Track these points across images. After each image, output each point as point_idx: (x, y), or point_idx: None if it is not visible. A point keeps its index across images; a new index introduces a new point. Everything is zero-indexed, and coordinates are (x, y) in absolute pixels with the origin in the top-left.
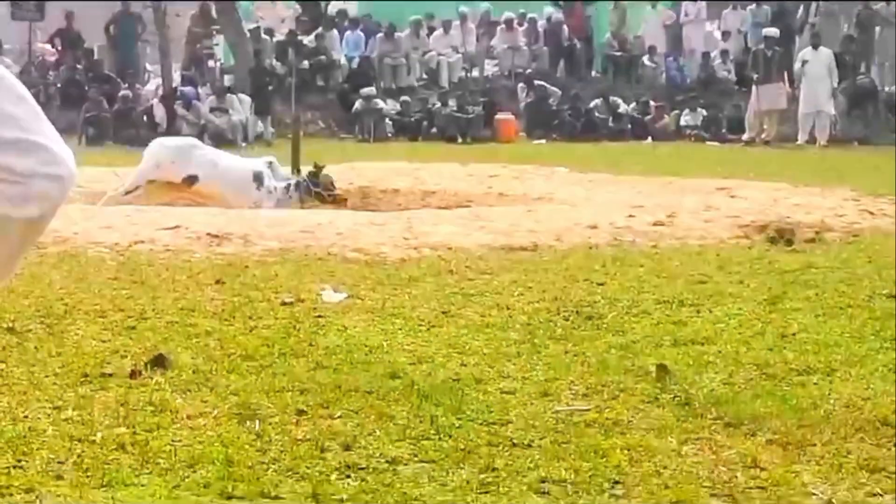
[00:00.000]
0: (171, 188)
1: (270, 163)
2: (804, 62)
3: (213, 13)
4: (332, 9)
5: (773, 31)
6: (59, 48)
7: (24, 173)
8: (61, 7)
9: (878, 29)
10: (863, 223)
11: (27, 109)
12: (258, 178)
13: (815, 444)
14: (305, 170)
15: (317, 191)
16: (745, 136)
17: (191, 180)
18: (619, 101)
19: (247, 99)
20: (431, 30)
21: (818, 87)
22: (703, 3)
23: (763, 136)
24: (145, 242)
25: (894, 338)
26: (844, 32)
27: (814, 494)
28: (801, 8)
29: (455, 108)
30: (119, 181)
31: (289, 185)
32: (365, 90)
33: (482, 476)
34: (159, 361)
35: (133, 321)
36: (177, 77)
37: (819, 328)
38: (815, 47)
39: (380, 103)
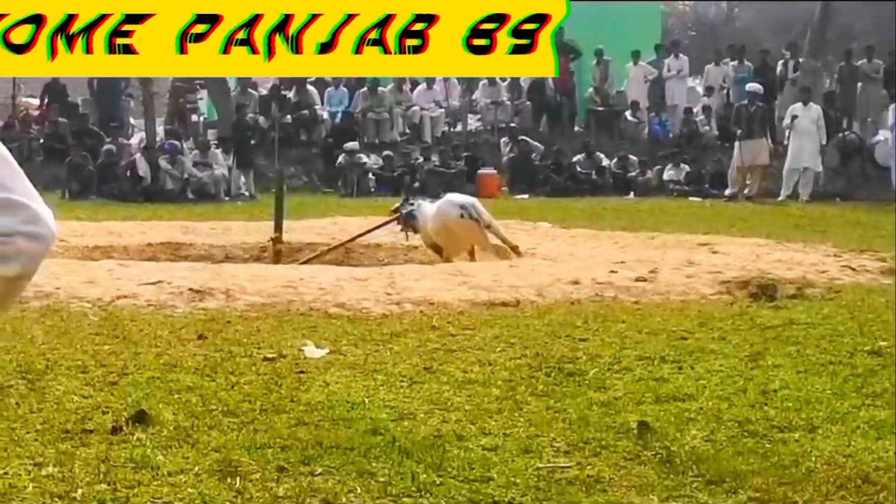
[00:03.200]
0: None
1: None
2: (794, 117)
3: None
4: None
5: (757, 87)
6: (44, 102)
7: (5, 232)
8: None
9: (860, 85)
10: (844, 279)
11: (6, 168)
12: None
13: (796, 502)
14: (294, 225)
15: None
16: (727, 192)
17: None
18: (602, 156)
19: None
20: (414, 84)
21: (807, 143)
22: (686, 59)
23: (746, 191)
24: (128, 297)
25: (876, 394)
26: (826, 88)
27: None
28: (781, 64)
29: (438, 163)
30: None
31: None
32: (348, 145)
33: None
34: (140, 417)
35: (115, 377)
36: (160, 131)
37: (801, 385)
38: (805, 103)
39: (363, 158)
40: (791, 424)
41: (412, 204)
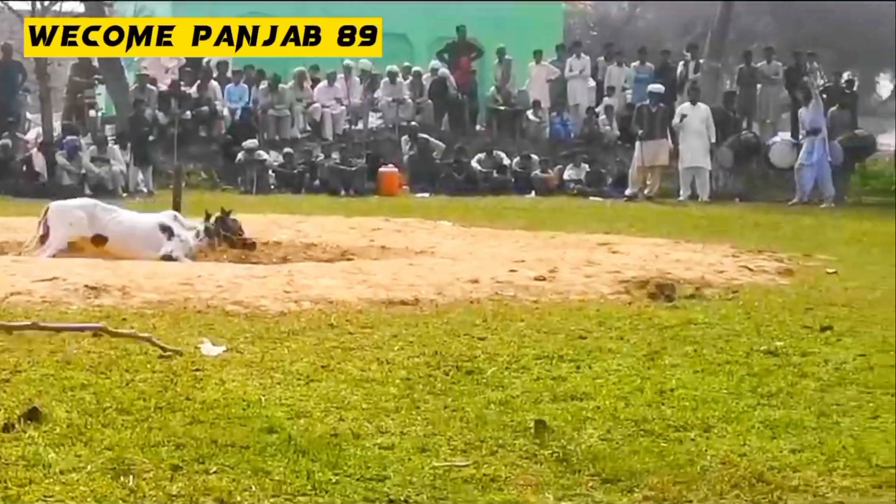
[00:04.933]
0: (84, 245)
1: (175, 216)
2: (683, 117)
3: (95, 62)
4: (214, 59)
5: (659, 88)
6: None
7: None
8: None
9: (759, 86)
10: (742, 279)
11: None
12: (166, 230)
13: (691, 501)
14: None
15: (226, 234)
16: (627, 192)
17: (100, 240)
18: (503, 155)
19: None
20: (315, 81)
21: (696, 142)
22: (588, 59)
23: (646, 191)
24: (22, 294)
25: (771, 394)
26: (727, 89)
27: None
28: (682, 65)
29: (338, 161)
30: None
31: (198, 231)
32: (248, 142)
33: None
34: (33, 415)
35: (7, 374)
36: (58, 127)
37: (697, 384)
38: (694, 103)
39: (263, 155)
40: (687, 424)
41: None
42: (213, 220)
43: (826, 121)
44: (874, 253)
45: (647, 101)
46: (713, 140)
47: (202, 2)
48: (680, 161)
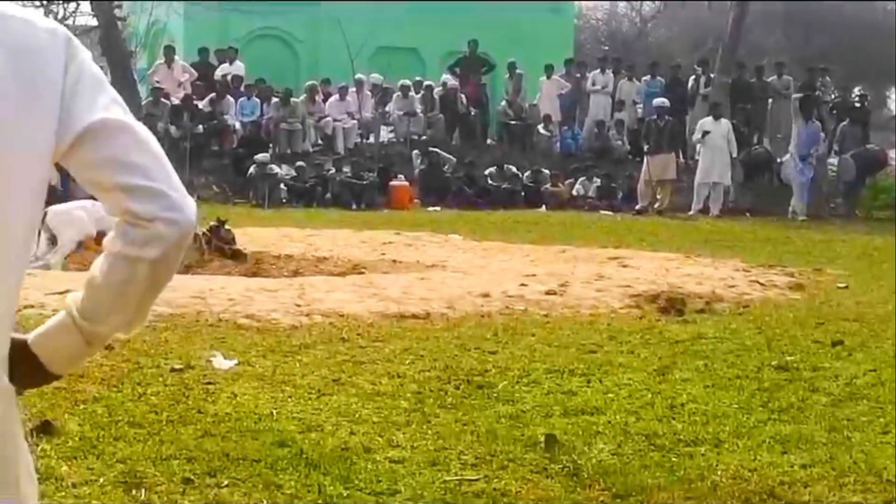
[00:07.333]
0: (89, 244)
1: None
2: (705, 133)
3: (108, 76)
4: (221, 73)
5: (663, 102)
6: None
7: (146, 217)
8: None
9: (770, 101)
10: (753, 294)
11: (150, 157)
12: None
13: None
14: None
15: (217, 244)
16: (637, 206)
17: (102, 236)
18: (514, 168)
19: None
20: (327, 95)
21: (717, 157)
22: (611, 75)
23: (656, 205)
24: (34, 307)
25: (782, 409)
26: (739, 105)
27: None
28: (693, 79)
29: (350, 175)
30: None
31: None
32: (259, 155)
33: None
34: (45, 428)
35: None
36: None
37: (708, 399)
38: (717, 118)
39: (274, 168)
40: (698, 438)
41: None
42: (206, 228)
43: (836, 136)
44: (885, 267)
45: (655, 116)
46: (734, 155)
47: (215, 1)
48: (698, 175)
